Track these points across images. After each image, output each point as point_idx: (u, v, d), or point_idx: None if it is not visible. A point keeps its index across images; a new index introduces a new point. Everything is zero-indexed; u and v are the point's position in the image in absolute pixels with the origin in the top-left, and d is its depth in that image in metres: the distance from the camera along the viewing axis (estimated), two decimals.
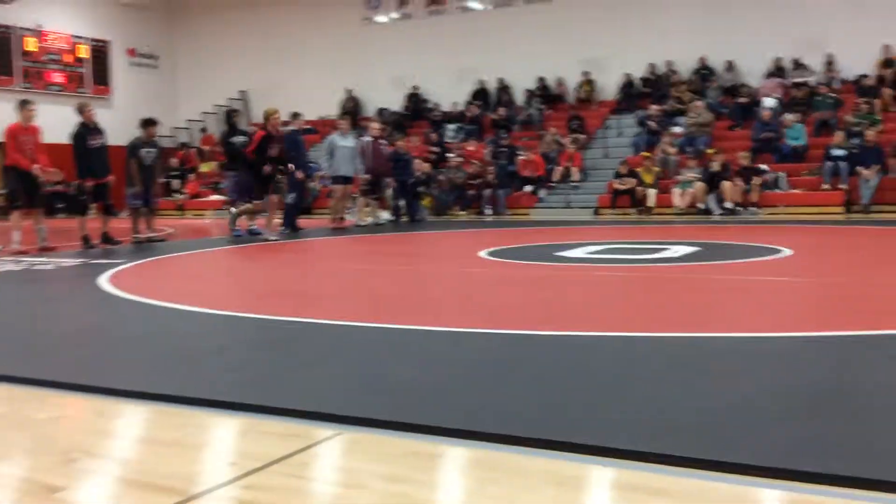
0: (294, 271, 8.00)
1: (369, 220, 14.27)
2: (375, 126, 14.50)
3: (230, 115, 12.44)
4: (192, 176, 22.27)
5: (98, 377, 3.38)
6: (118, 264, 8.01)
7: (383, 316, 4.78)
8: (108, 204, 10.64)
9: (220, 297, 5.90)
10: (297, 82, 23.20)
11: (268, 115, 11.03)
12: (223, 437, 2.69)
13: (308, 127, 13.32)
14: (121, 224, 11.32)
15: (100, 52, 24.08)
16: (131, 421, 2.91)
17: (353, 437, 2.55)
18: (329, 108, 21.89)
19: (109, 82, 24.26)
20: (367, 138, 13.93)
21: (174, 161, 22.46)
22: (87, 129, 10.32)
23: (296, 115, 13.03)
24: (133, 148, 10.92)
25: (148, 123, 11.11)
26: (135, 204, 11.01)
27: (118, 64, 24.60)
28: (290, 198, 12.80)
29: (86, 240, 10.19)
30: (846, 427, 2.44)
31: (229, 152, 11.98)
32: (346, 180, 13.35)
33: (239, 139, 11.87)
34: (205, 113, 24.20)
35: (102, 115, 10.74)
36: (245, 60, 24.51)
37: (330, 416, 2.69)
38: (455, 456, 2.37)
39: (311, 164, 12.97)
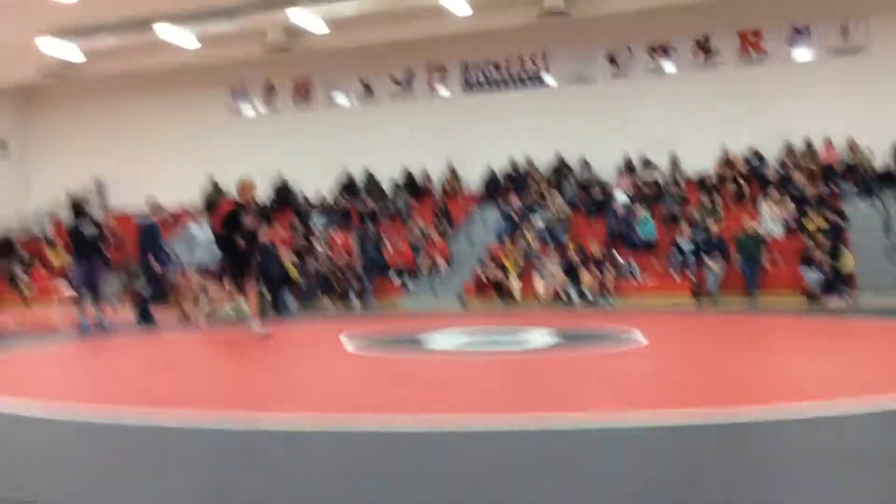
0: (146, 368, 7.57)
1: (232, 312, 13.81)
2: None
3: (77, 203, 11.84)
4: (40, 266, 21.06)
5: None
6: None
7: (234, 413, 4.55)
8: None
9: (56, 397, 5.47)
10: (159, 171, 22.68)
11: (244, 187, 9.98)
12: None
13: (168, 217, 12.86)
14: None
15: None
16: None
17: None
18: (192, 197, 21.42)
19: None
20: None
21: (23, 253, 21.22)
22: None
23: (158, 207, 12.60)
24: None
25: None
26: None
27: None
28: (144, 289, 12.30)
29: None
30: None
31: (76, 241, 11.40)
32: (205, 271, 12.88)
33: (87, 227, 11.33)
34: (58, 202, 23.09)
35: None
36: (104, 151, 23.79)
37: None
38: None
39: (167, 254, 12.48)
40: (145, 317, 12.02)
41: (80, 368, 7.71)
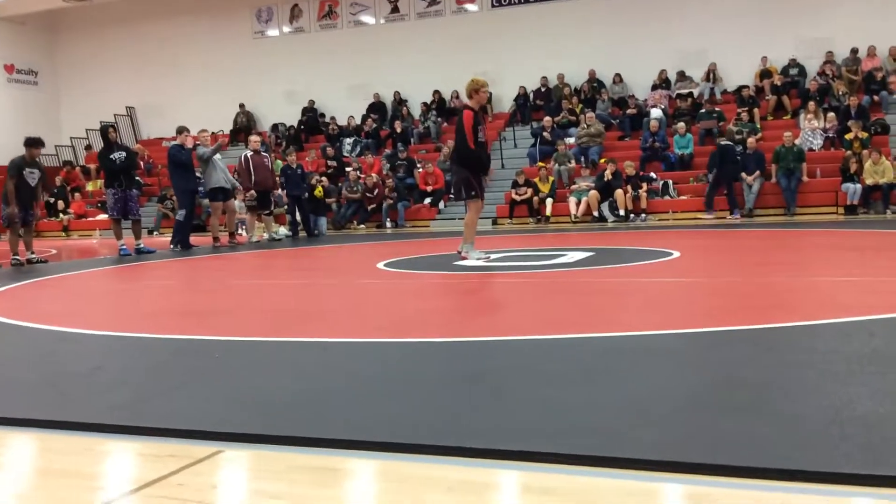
0: (182, 289, 7.69)
1: (264, 235, 13.94)
2: (254, 139, 14.16)
3: (106, 131, 11.89)
4: (77, 195, 21.35)
5: None
6: None
7: (270, 330, 4.62)
8: None
9: (99, 318, 5.59)
10: (187, 98, 22.63)
11: (477, 87, 7.98)
12: (92, 461, 2.49)
13: (197, 143, 12.80)
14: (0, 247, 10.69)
15: None
16: None
17: (233, 455, 2.40)
18: (221, 123, 21.41)
19: None
20: (247, 152, 13.55)
21: (58, 180, 21.50)
22: None
23: (182, 130, 12.55)
24: (15, 168, 10.33)
25: (31, 143, 10.51)
26: (14, 222, 10.39)
27: None
28: (180, 214, 12.41)
29: None
30: (732, 419, 2.46)
31: (108, 169, 11.50)
32: (224, 195, 12.88)
33: (118, 155, 11.39)
34: (90, 130, 23.25)
35: None
36: (131, 76, 23.75)
37: (207, 434, 2.53)
38: (340, 468, 2.26)
39: (197, 177, 12.53)
40: (183, 242, 12.17)
41: (119, 291, 7.85)
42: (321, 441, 2.40)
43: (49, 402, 3.13)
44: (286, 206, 15.18)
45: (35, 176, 10.50)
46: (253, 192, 13.24)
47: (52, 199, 20.47)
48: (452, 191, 8.89)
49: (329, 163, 18.56)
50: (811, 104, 16.09)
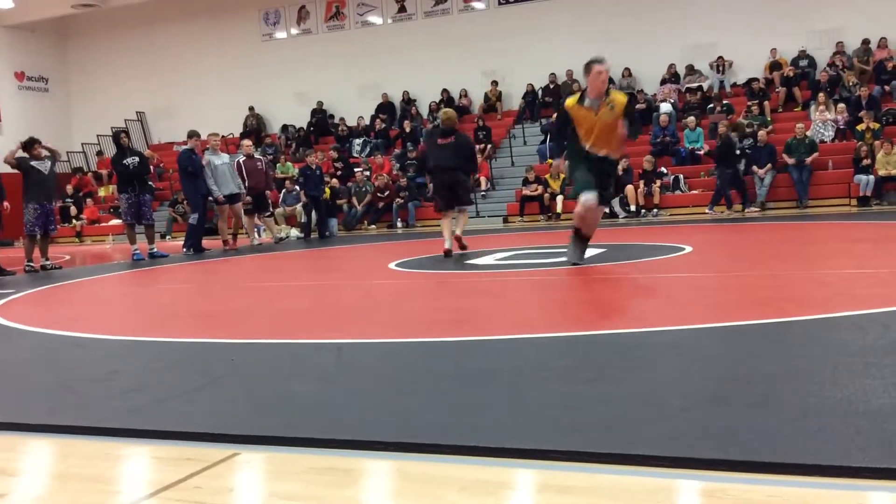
0: (197, 292, 7.72)
1: (278, 235, 13.98)
2: (246, 144, 14.13)
3: (118, 137, 11.93)
4: (89, 201, 21.48)
5: None
6: (8, 294, 7.59)
7: (284, 332, 4.64)
8: None
9: (115, 323, 5.62)
10: (198, 101, 22.73)
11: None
12: (110, 465, 2.51)
13: (206, 147, 12.82)
14: (16, 253, 10.75)
15: None
16: (7, 456, 2.69)
17: (249, 457, 2.42)
18: (232, 126, 21.48)
19: None
20: (240, 157, 13.52)
21: (69, 188, 21.64)
22: None
23: (193, 134, 12.56)
24: (22, 164, 10.36)
25: (28, 146, 10.52)
26: (32, 231, 10.47)
27: (6, 88, 23.58)
28: (193, 218, 12.46)
29: None
30: (746, 414, 2.45)
31: (121, 174, 11.55)
32: (230, 199, 12.86)
33: (131, 160, 11.44)
34: (101, 136, 23.37)
35: None
36: (141, 81, 23.87)
37: (224, 437, 2.55)
38: (355, 468, 2.27)
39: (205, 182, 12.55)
40: (195, 246, 12.21)
41: (134, 295, 7.90)
42: (336, 442, 2.42)
43: (67, 407, 3.15)
44: (304, 206, 15.20)
45: (47, 165, 10.53)
46: (249, 197, 13.19)
47: (64, 206, 20.59)
48: (463, 199, 9.26)
49: (335, 164, 18.58)
50: (822, 95, 16.00)
